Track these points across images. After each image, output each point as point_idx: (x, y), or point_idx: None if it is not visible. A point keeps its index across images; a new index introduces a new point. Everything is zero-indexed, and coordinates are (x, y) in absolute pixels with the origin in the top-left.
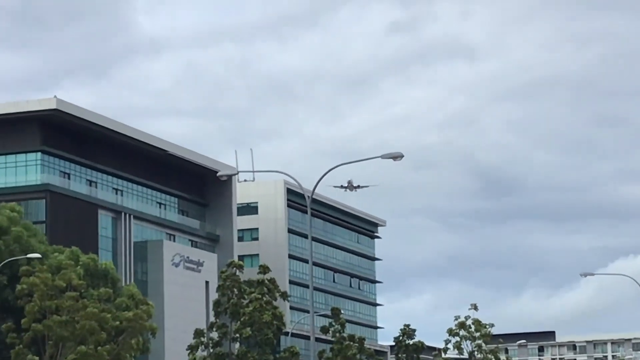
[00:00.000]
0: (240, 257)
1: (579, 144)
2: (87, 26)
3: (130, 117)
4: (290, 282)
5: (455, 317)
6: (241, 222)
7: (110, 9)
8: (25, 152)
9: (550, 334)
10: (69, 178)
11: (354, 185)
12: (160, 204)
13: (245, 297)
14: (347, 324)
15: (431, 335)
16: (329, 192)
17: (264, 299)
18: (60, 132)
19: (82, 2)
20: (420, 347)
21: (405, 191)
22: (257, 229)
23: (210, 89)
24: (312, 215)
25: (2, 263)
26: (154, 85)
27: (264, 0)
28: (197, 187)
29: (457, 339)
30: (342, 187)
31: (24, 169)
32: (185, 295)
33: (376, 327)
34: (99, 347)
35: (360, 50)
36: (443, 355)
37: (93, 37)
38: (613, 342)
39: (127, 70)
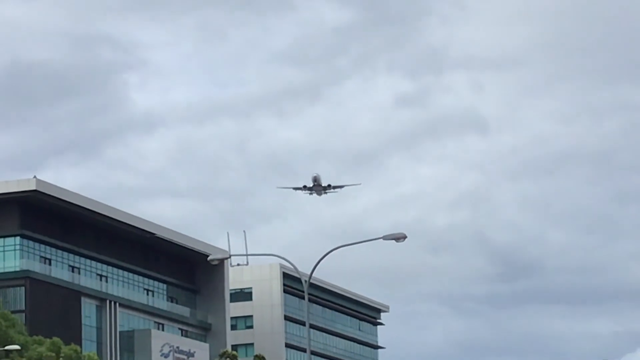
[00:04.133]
0: (234, 347)
1: (598, 222)
2: (77, 103)
3: (121, 199)
4: None
5: None
6: (234, 309)
7: (102, 84)
8: (4, 237)
9: None
10: (50, 264)
11: (323, 185)
12: (147, 290)
13: None
14: None
15: None
16: (328, 277)
17: None
18: (41, 215)
19: (72, 78)
20: None
21: (412, 275)
22: (251, 316)
23: (206, 168)
24: (310, 301)
25: None
26: (147, 164)
27: (264, 73)
28: (187, 272)
29: None
30: (304, 188)
31: (2, 255)
32: None
33: None
34: None
35: (366, 125)
36: None
37: (83, 114)
38: None
39: (118, 148)
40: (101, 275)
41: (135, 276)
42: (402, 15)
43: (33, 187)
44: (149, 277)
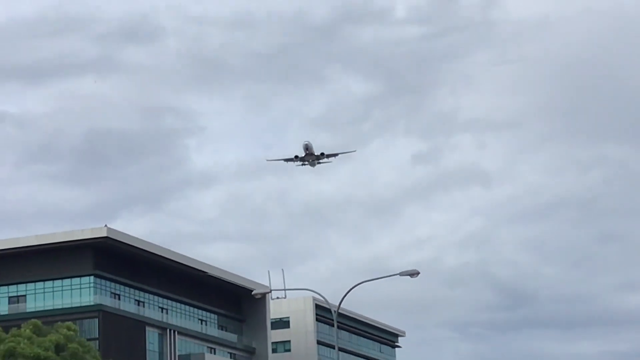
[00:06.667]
0: None
1: (584, 259)
2: (145, 163)
3: (181, 244)
4: None
5: None
6: (275, 335)
7: (165, 147)
8: (80, 276)
9: None
10: (119, 299)
11: (316, 153)
12: (201, 320)
13: None
14: None
15: None
16: (355, 307)
17: None
18: (111, 258)
19: (140, 141)
20: None
21: (427, 305)
22: (289, 341)
23: (252, 216)
24: (339, 327)
25: None
26: (203, 214)
27: (302, 135)
28: (235, 304)
29: None
30: (296, 158)
31: (79, 292)
32: None
33: None
34: None
35: (387, 179)
36: None
37: (150, 172)
38: None
39: (179, 201)
40: (162, 308)
41: (191, 308)
42: (417, 86)
43: (104, 234)
44: (203, 309)
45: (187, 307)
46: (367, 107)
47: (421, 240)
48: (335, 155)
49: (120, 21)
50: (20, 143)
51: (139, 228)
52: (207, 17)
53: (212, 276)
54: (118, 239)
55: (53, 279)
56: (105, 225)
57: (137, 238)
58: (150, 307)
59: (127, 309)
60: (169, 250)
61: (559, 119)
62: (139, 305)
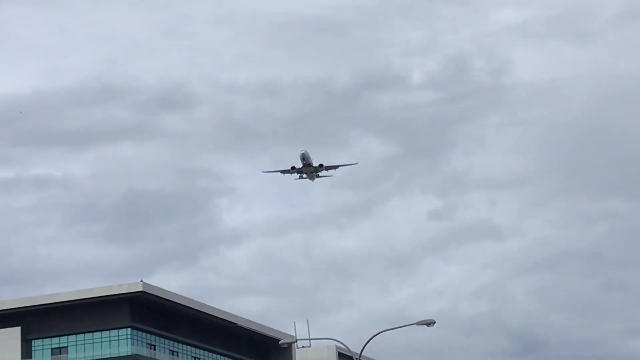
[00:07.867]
0: None
1: (590, 307)
2: (180, 222)
3: (214, 297)
4: None
5: None
6: None
7: (199, 207)
8: (118, 328)
9: None
10: (154, 349)
11: (314, 165)
12: None
13: None
14: None
15: None
16: (376, 354)
17: None
18: (147, 310)
19: (176, 202)
20: None
21: (443, 352)
22: None
23: (280, 271)
24: None
25: None
26: (235, 269)
27: (325, 195)
28: (263, 353)
29: None
30: (293, 169)
31: (117, 343)
32: None
33: None
34: None
35: (405, 235)
36: None
37: (185, 231)
38: None
39: (212, 257)
40: (195, 357)
41: (222, 357)
42: (432, 148)
43: (140, 289)
44: (233, 358)
45: (219, 356)
46: (386, 167)
47: (437, 291)
48: (335, 167)
49: (156, 90)
50: (65, 204)
51: (174, 283)
52: (237, 85)
53: (241, 327)
54: (153, 293)
55: (93, 331)
56: (141, 281)
57: (171, 292)
58: (184, 357)
59: (162, 359)
60: (201, 303)
61: (565, 176)
62: (173, 355)
